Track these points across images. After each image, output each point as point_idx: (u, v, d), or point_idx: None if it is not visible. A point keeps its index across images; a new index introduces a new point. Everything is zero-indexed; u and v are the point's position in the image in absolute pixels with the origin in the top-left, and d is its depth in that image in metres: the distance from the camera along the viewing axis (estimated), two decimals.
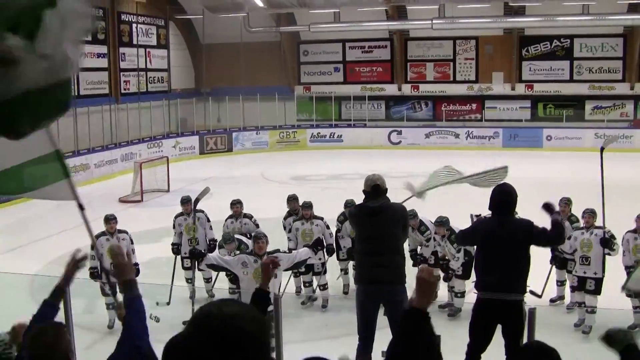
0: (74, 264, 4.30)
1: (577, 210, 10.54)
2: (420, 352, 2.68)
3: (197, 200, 9.83)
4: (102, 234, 10.11)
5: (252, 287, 7.67)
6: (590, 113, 32.02)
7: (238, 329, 1.69)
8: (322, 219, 11.05)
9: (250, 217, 11.48)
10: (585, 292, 9.65)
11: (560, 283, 10.61)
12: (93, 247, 9.67)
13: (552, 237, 6.95)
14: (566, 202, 10.56)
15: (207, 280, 11.25)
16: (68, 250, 13.23)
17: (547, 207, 7.17)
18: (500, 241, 6.62)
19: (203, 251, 10.86)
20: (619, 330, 3.54)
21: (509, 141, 31.37)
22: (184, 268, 11.16)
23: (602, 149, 9.72)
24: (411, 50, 34.11)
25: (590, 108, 32.00)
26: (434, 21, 29.14)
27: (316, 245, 9.81)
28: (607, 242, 9.46)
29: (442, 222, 10.33)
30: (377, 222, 7.02)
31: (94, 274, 9.88)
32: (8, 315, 5.78)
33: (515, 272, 6.63)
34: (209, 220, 11.37)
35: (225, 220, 11.55)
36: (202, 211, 11.47)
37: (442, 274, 10.62)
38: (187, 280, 10.78)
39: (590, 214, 9.82)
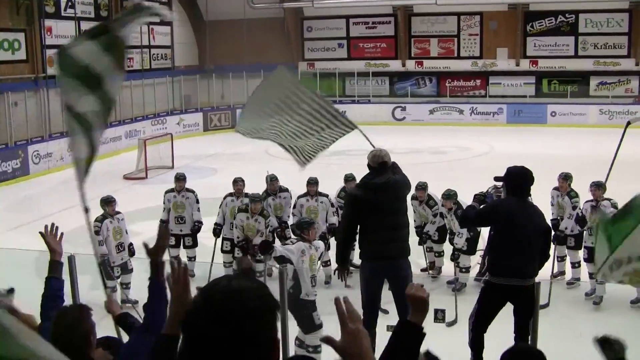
0: (53, 237, 4.37)
1: (580, 186, 10.55)
2: None
3: None
4: (104, 217, 10.17)
5: (306, 275, 7.70)
6: (595, 89, 31.89)
7: (242, 305, 1.69)
8: (327, 196, 11.08)
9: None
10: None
11: (561, 259, 10.65)
12: (97, 232, 9.87)
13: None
14: (564, 177, 10.54)
15: (190, 259, 11.31)
16: (73, 227, 13.44)
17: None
18: (522, 224, 6.60)
19: (190, 231, 11.02)
20: (616, 340, 3.55)
21: (513, 117, 31.30)
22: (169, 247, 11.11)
23: (628, 123, 9.65)
24: (415, 26, 33.94)
25: (595, 84, 31.86)
26: None
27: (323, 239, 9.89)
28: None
29: (449, 195, 10.34)
30: (383, 198, 7.01)
31: (103, 259, 9.90)
32: (15, 292, 5.83)
33: (534, 256, 6.67)
34: (197, 202, 11.34)
35: (224, 198, 11.35)
36: (193, 191, 11.52)
37: (447, 247, 10.72)
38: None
39: (596, 186, 9.84)
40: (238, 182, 11.31)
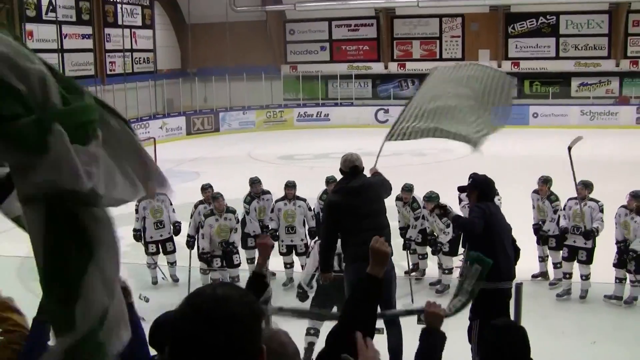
0: None
1: (562, 187, 10.62)
2: (370, 315, 2.95)
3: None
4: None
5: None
6: (576, 90, 32.10)
7: (228, 311, 1.69)
8: (304, 200, 11.05)
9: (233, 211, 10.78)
10: (577, 262, 9.90)
11: (542, 259, 10.72)
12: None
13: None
14: (544, 181, 10.58)
15: (171, 264, 11.20)
16: None
17: (442, 209, 7.48)
18: (506, 228, 6.95)
19: (169, 234, 11.00)
20: None
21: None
22: (148, 253, 10.96)
23: (569, 149, 9.79)
24: (397, 28, 34.04)
25: (576, 85, 32.08)
26: None
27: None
28: (588, 234, 9.64)
29: (430, 197, 10.39)
30: (360, 201, 7.06)
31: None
32: None
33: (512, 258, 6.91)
34: (171, 204, 11.17)
35: (196, 207, 10.97)
36: (165, 194, 11.42)
37: (430, 250, 10.77)
38: (148, 265, 10.87)
39: (583, 185, 9.92)
40: (207, 190, 10.96)
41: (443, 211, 7.51)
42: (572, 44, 31.87)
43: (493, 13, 32.25)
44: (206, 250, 10.35)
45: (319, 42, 34.96)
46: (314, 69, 34.24)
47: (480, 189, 7.06)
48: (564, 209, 10.13)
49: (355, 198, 7.08)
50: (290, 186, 10.97)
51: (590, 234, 9.62)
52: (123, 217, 11.18)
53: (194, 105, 32.32)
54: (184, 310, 1.74)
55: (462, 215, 7.22)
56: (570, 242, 9.93)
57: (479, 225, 6.85)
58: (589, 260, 9.77)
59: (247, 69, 32.14)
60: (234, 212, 10.50)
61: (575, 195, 9.95)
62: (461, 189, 7.55)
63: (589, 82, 31.84)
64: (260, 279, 3.75)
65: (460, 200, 10.80)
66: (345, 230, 7.18)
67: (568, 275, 10.02)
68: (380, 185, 7.42)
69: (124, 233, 12.02)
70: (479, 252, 4.81)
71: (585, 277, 9.74)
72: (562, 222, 10.10)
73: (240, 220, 10.81)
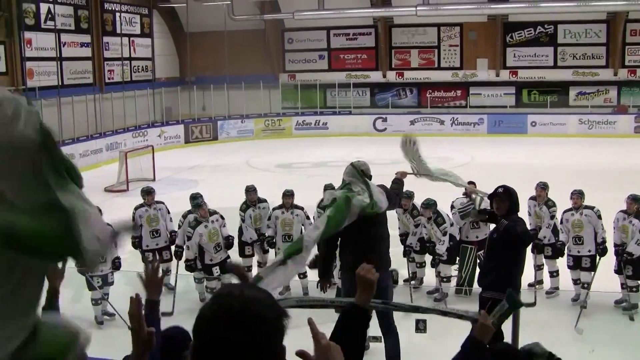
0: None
1: (560, 195, 10.65)
2: (355, 347, 2.87)
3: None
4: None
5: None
6: (574, 99, 32.15)
7: (256, 312, 1.74)
8: (302, 208, 11.03)
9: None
10: (581, 269, 10.00)
11: (538, 268, 10.71)
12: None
13: None
14: (542, 187, 10.66)
15: (166, 273, 10.91)
16: None
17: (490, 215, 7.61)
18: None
19: (165, 242, 11.01)
20: (536, 346, 3.70)
21: (494, 127, 31.48)
22: (145, 262, 10.76)
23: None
24: (395, 37, 34.10)
25: (575, 94, 32.13)
26: (418, 8, 29.04)
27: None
28: (604, 252, 9.79)
29: (428, 204, 10.39)
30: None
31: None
32: None
33: None
34: (169, 212, 11.21)
35: (185, 217, 10.88)
36: (163, 202, 11.45)
37: (428, 259, 10.77)
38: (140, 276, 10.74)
39: (578, 194, 10.10)
40: (198, 198, 10.96)
41: (491, 217, 7.51)
42: (570, 53, 31.93)
43: (491, 22, 32.30)
44: (192, 258, 10.43)
45: (317, 50, 35.01)
46: (313, 77, 34.26)
47: (512, 201, 7.20)
48: (562, 222, 10.20)
49: None
50: (288, 195, 10.94)
51: (606, 250, 9.74)
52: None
53: (192, 114, 32.32)
54: (213, 311, 1.78)
55: (513, 225, 7.20)
56: (575, 253, 10.05)
57: (532, 238, 7.40)
58: (592, 267, 9.87)
59: (245, 77, 32.17)
60: (216, 212, 10.66)
61: (570, 206, 10.12)
62: (491, 196, 7.54)
63: (587, 91, 31.90)
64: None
65: (452, 207, 10.82)
66: (344, 238, 7.15)
67: (580, 282, 10.09)
68: (385, 194, 7.36)
69: (124, 241, 12.02)
70: (516, 296, 4.81)
71: (587, 287, 9.76)
72: (562, 237, 10.16)
73: (238, 228, 10.86)
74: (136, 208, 11.29)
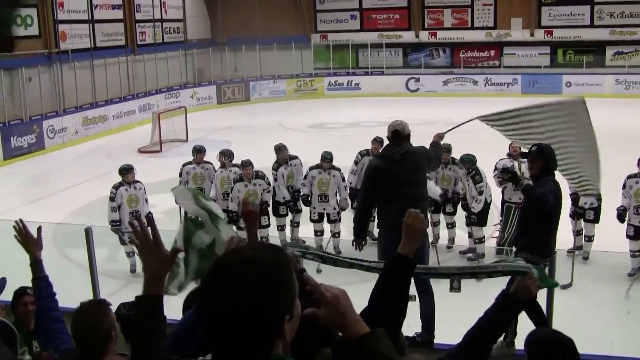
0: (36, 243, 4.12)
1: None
2: (401, 299, 2.74)
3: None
4: (120, 184, 10.47)
5: None
6: (611, 59, 31.57)
7: (249, 274, 1.69)
8: (339, 170, 11.04)
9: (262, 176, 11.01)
10: None
11: (577, 233, 10.55)
12: (112, 199, 10.12)
13: None
14: None
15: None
16: (88, 200, 13.55)
17: (513, 175, 7.35)
18: (561, 206, 6.94)
19: None
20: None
21: (528, 88, 31.08)
22: (123, 243, 10.68)
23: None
24: None
25: (611, 54, 31.53)
26: None
27: None
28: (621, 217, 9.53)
29: (466, 160, 10.30)
30: (400, 169, 6.96)
31: (115, 226, 10.29)
32: None
33: None
34: (145, 192, 10.79)
35: (184, 166, 11.56)
36: (211, 163, 11.58)
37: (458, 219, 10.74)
38: (127, 254, 10.46)
39: None
40: (200, 153, 11.46)
41: (513, 177, 7.36)
42: (607, 12, 31.28)
43: None
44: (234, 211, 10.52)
45: (349, 10, 34.69)
46: (345, 37, 34.02)
47: (546, 159, 6.77)
48: (624, 187, 9.72)
49: (396, 165, 6.98)
50: (327, 159, 10.88)
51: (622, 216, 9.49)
52: (177, 181, 11.43)
53: (224, 75, 32.33)
54: (210, 269, 1.76)
55: (532, 186, 6.95)
56: (636, 223, 9.58)
57: (550, 202, 6.64)
58: None
59: (277, 38, 32.04)
60: (262, 176, 10.75)
61: (636, 171, 9.64)
62: (524, 155, 7.37)
63: (625, 50, 31.29)
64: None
65: (495, 169, 10.65)
66: (382, 196, 7.12)
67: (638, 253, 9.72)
68: (425, 156, 7.29)
69: (164, 199, 12.18)
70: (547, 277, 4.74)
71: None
72: (624, 202, 9.70)
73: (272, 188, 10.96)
74: (184, 164, 11.51)
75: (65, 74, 23.82)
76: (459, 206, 10.87)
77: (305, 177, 11.02)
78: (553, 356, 3.24)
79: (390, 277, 2.76)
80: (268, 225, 10.81)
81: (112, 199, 10.32)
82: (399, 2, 34.07)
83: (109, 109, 24.97)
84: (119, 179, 10.48)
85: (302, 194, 11.03)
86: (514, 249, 7.03)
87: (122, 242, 10.26)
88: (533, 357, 3.30)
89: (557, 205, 6.76)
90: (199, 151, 11.47)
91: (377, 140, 11.03)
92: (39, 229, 3.91)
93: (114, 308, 3.82)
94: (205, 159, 11.69)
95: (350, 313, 1.92)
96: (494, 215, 11.12)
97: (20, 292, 4.90)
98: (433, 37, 33.71)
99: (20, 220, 4.04)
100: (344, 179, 10.99)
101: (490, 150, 11.17)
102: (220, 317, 1.67)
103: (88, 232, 6.12)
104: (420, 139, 8.02)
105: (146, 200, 10.69)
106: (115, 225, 10.27)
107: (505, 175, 7.91)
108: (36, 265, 4.08)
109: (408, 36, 34.02)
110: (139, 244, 2.37)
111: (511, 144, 10.18)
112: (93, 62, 25.23)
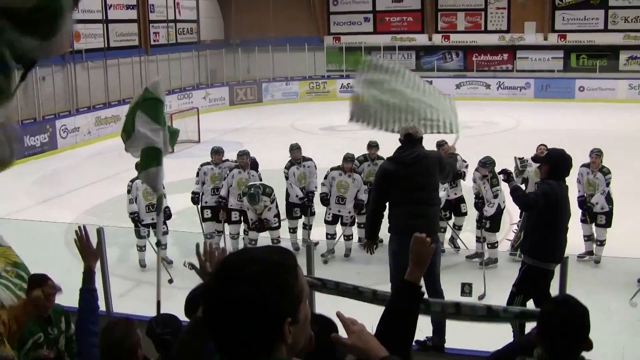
0: (94, 253, 4.15)
1: (608, 161, 10.46)
2: (409, 326, 2.68)
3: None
4: (207, 163, 11.22)
5: None
6: (624, 63, 31.44)
7: (246, 274, 1.68)
8: (360, 173, 11.04)
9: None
10: None
11: (587, 238, 10.53)
12: (129, 191, 10.41)
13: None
14: (597, 154, 10.35)
15: (233, 236, 11.14)
16: (100, 200, 13.58)
17: (507, 174, 7.24)
18: (567, 208, 6.81)
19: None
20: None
21: (541, 92, 31.00)
22: (204, 219, 11.16)
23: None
24: (442, 0, 33.64)
25: (625, 58, 31.41)
26: None
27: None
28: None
29: (484, 163, 10.28)
30: (412, 173, 6.95)
31: (135, 219, 10.39)
32: (45, 263, 5.90)
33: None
34: (164, 187, 10.90)
35: (202, 166, 11.38)
36: (228, 160, 11.62)
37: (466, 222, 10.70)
38: (205, 236, 10.50)
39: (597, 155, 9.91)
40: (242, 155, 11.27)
41: (507, 177, 7.33)
42: (621, 16, 31.15)
43: None
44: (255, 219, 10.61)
45: (362, 13, 34.71)
46: (358, 40, 34.03)
47: (552, 164, 6.75)
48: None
49: (407, 168, 6.98)
50: (348, 160, 10.88)
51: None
52: (189, 182, 11.46)
53: (237, 76, 32.39)
54: (218, 265, 1.79)
55: (521, 188, 6.95)
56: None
57: (538, 204, 6.64)
58: None
59: (290, 39, 32.08)
60: (269, 194, 10.60)
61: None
62: (535, 160, 7.36)
63: (639, 55, 31.16)
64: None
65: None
66: (393, 199, 7.11)
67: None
68: (436, 160, 7.24)
69: (176, 199, 12.21)
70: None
71: None
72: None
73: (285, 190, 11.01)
74: (202, 165, 11.46)
75: (79, 74, 23.92)
76: (472, 205, 10.81)
77: (326, 176, 11.03)
78: (563, 318, 3.14)
79: (398, 305, 2.71)
80: (278, 227, 10.81)
81: (128, 191, 10.49)
82: (413, 4, 34.04)
83: (122, 109, 24.98)
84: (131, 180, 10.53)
85: (321, 192, 11.02)
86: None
87: (138, 236, 10.32)
88: (544, 316, 3.23)
89: (557, 208, 6.66)
90: (217, 152, 11.43)
91: (372, 145, 11.20)
92: (99, 231, 3.95)
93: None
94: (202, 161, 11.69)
95: (373, 340, 2.15)
96: (506, 222, 11.10)
97: (39, 279, 4.75)
98: (446, 40, 33.68)
99: (84, 226, 4.05)
100: (365, 183, 10.98)
101: (504, 154, 11.14)
102: (220, 311, 1.68)
103: (100, 232, 6.12)
104: (432, 143, 8.01)
105: (164, 196, 10.70)
106: (133, 215, 10.41)
107: (503, 176, 7.92)
108: (87, 276, 4.11)
109: (421, 39, 33.99)
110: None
111: (539, 146, 10.27)
112: (106, 62, 25.33)
